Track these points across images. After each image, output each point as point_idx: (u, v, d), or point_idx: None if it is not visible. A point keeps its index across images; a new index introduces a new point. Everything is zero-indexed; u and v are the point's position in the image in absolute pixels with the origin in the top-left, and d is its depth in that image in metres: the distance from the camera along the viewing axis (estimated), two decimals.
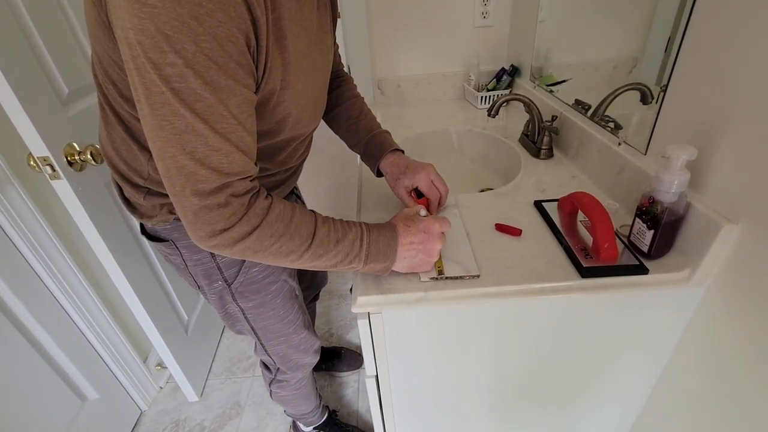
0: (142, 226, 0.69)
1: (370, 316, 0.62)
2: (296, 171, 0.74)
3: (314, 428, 1.20)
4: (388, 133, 0.81)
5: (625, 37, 0.77)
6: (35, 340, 1.03)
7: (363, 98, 0.85)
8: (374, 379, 0.72)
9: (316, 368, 1.44)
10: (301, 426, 1.20)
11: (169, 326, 1.28)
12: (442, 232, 0.60)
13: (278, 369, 0.92)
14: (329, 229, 0.52)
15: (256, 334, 0.80)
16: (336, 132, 0.85)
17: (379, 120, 0.84)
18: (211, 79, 0.39)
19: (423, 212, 0.63)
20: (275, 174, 0.65)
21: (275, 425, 1.31)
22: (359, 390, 1.41)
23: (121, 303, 1.29)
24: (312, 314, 1.24)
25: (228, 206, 0.44)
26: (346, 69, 0.90)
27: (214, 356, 1.58)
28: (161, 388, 1.47)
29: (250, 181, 0.47)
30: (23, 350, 0.99)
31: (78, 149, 0.92)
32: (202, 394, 1.44)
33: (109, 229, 1.03)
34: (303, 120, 0.57)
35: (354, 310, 0.61)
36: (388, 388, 0.73)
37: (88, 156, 0.93)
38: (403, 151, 0.78)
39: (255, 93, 0.45)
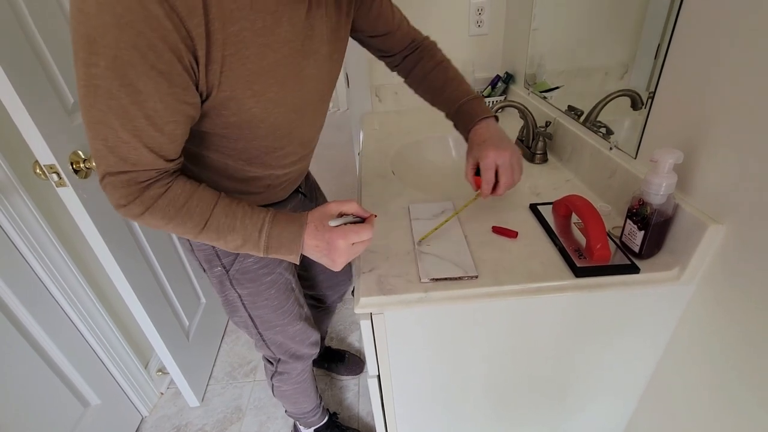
0: None
1: (372, 316, 0.64)
2: (292, 178, 0.75)
3: (314, 430, 1.21)
4: (477, 98, 0.75)
5: (616, 44, 0.80)
6: (38, 345, 1.04)
7: (446, 63, 0.80)
8: (376, 380, 0.74)
9: (317, 365, 1.46)
10: (302, 428, 1.21)
11: (170, 331, 1.29)
12: (353, 243, 0.55)
13: (279, 360, 0.94)
14: (227, 217, 0.55)
15: (253, 322, 0.83)
16: (433, 106, 0.83)
17: (376, 126, 0.86)
18: (127, 82, 0.42)
19: (334, 222, 0.57)
20: (273, 177, 0.68)
21: (276, 429, 1.32)
22: (359, 393, 1.42)
23: (123, 309, 1.30)
24: (328, 314, 1.26)
25: (126, 188, 0.50)
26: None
27: (215, 361, 1.59)
28: (162, 393, 1.47)
29: (158, 173, 0.52)
30: (27, 355, 1.00)
31: (83, 157, 0.94)
32: (203, 399, 1.44)
33: (113, 236, 1.05)
34: (282, 127, 0.60)
35: (357, 310, 0.62)
36: (390, 388, 0.75)
37: (93, 164, 0.94)
38: (496, 117, 0.74)
39: (202, 99, 0.49)
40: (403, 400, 0.78)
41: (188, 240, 0.71)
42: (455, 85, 0.78)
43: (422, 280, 0.64)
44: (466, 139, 0.75)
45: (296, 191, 0.83)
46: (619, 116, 0.80)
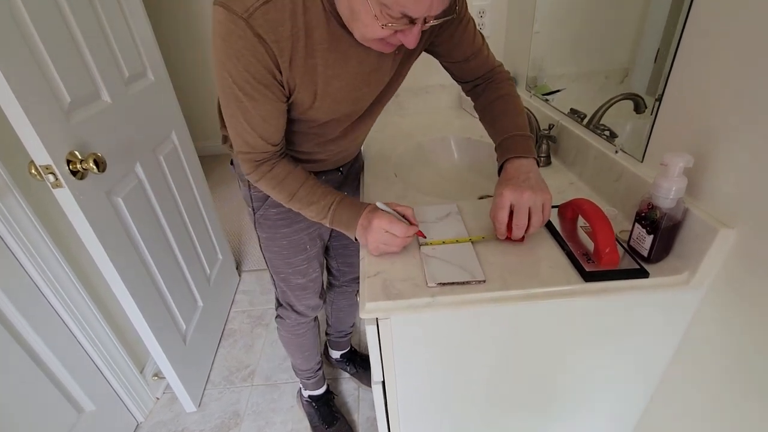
0: (232, 159, 0.93)
1: (378, 321, 0.62)
2: (332, 160, 0.88)
3: (309, 395, 1.30)
4: (521, 136, 0.73)
5: (615, 48, 0.80)
6: (32, 350, 1.02)
7: (507, 97, 0.79)
8: (381, 385, 0.73)
9: (343, 367, 1.49)
10: (302, 389, 1.32)
11: (166, 335, 1.27)
12: (386, 231, 0.66)
13: (281, 305, 1.09)
14: (308, 194, 0.73)
15: (266, 260, 1.00)
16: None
17: (377, 128, 0.85)
18: (245, 91, 0.61)
19: (382, 206, 0.69)
20: (311, 153, 0.83)
21: None
22: (359, 398, 1.40)
23: (118, 313, 1.28)
24: (339, 295, 1.29)
25: (249, 162, 0.71)
26: None
27: (212, 365, 1.57)
28: (158, 398, 1.45)
29: (268, 154, 0.71)
30: (20, 360, 0.98)
31: (80, 157, 0.92)
32: (199, 405, 1.42)
33: (109, 238, 1.03)
34: (331, 124, 0.76)
35: (362, 315, 0.61)
36: (395, 394, 0.73)
37: (91, 164, 0.93)
38: (537, 160, 0.72)
39: (287, 101, 0.66)
40: (407, 405, 0.76)
41: (239, 178, 0.90)
42: (505, 119, 0.77)
43: (429, 285, 0.62)
44: (499, 175, 0.73)
45: (336, 169, 0.95)
46: (621, 119, 0.80)
